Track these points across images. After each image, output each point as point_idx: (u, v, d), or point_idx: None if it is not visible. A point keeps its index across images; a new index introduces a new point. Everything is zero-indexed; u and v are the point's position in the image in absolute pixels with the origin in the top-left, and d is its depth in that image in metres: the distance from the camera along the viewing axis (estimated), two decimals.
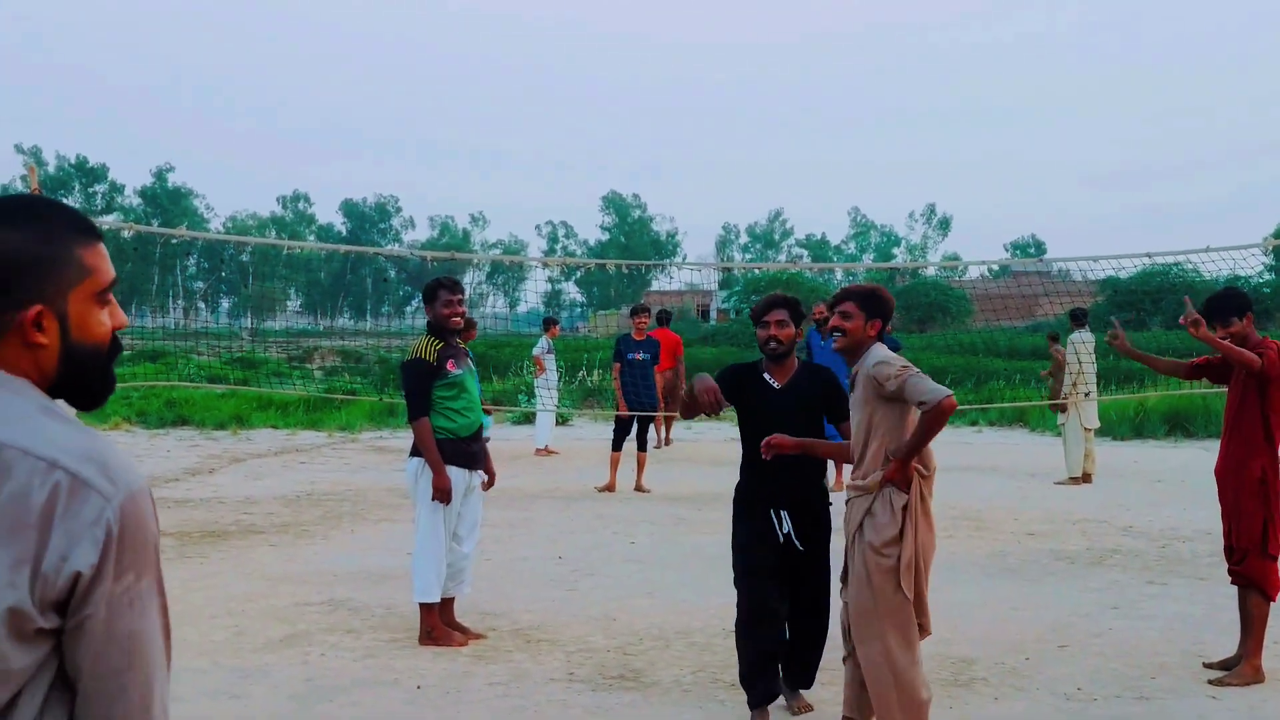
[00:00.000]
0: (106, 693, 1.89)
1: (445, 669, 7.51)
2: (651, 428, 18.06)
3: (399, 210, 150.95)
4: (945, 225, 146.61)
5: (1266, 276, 58.97)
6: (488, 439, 14.53)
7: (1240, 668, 7.32)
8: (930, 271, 77.95)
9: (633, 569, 10.67)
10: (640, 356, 16.12)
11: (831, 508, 6.68)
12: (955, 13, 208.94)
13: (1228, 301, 7.46)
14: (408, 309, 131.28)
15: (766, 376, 6.57)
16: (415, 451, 8.20)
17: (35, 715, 1.86)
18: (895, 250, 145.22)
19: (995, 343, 43.37)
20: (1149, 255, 17.52)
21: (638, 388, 16.03)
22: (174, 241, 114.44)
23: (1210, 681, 7.28)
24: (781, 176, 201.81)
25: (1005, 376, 33.07)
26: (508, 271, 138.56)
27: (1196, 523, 12.85)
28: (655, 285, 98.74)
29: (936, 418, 5.63)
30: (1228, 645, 7.74)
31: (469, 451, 8.24)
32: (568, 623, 8.70)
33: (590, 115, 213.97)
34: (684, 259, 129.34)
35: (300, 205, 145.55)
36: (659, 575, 10.37)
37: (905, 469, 5.73)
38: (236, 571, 10.40)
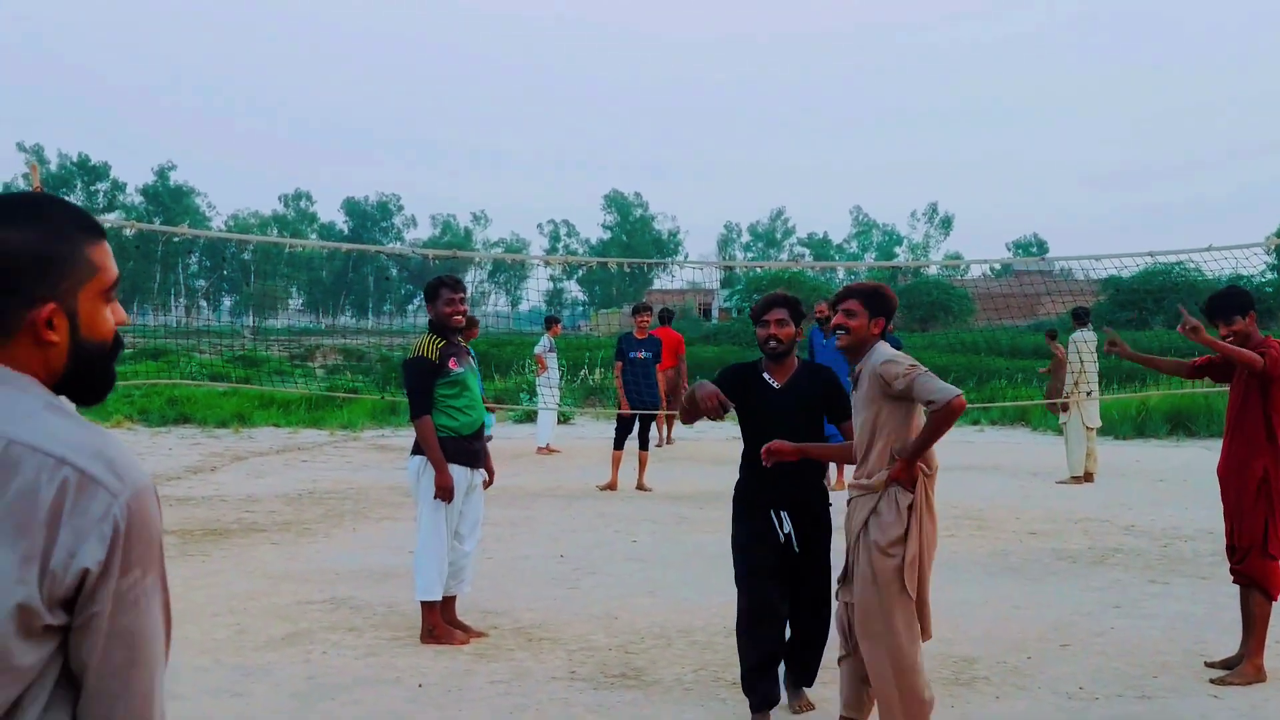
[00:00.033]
0: (111, 689, 1.90)
1: (447, 667, 7.50)
2: (653, 426, 18.07)
3: (401, 209, 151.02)
4: (947, 224, 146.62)
5: (1269, 276, 58.97)
6: (490, 437, 14.59)
7: (1242, 667, 7.32)
8: (932, 270, 77.93)
9: (634, 567, 10.67)
10: (642, 355, 16.12)
11: (831, 508, 6.66)
12: (956, 12, 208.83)
13: (1230, 300, 7.46)
14: (409, 307, 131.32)
15: (766, 376, 6.53)
16: (417, 450, 8.20)
17: (40, 712, 1.87)
18: (897, 249, 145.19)
19: (997, 342, 43.34)
20: (1151, 254, 17.56)
21: (640, 386, 16.02)
22: (176, 240, 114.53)
23: (1212, 681, 7.28)
24: (783, 175, 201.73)
25: (1007, 376, 33.07)
26: (509, 270, 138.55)
27: (1198, 522, 12.84)
28: (657, 284, 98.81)
29: (946, 417, 5.62)
30: (1230, 644, 7.74)
31: (471, 450, 8.24)
32: (569, 621, 8.69)
33: (592, 114, 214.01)
34: (686, 258, 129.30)
35: (302, 204, 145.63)
36: (661, 574, 10.37)
37: (911, 468, 5.72)
38: (238, 569, 10.40)
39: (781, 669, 6.63)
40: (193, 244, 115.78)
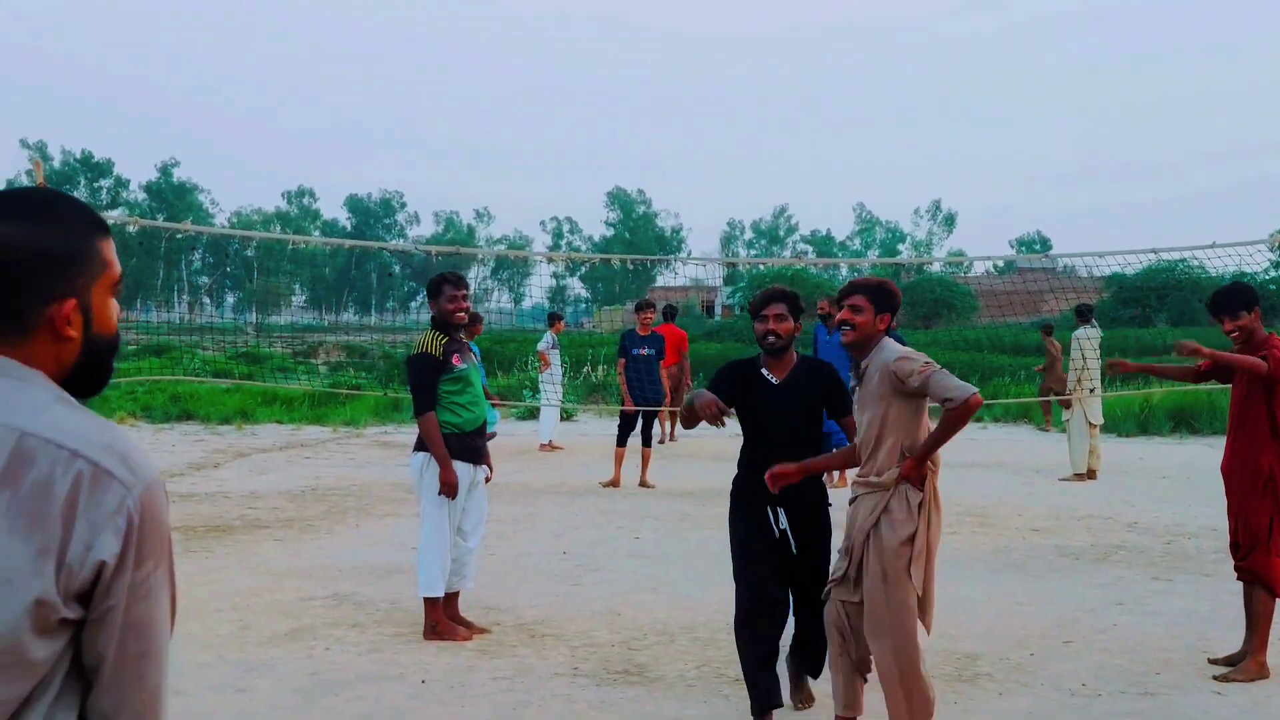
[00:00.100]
0: (124, 680, 1.93)
1: (450, 663, 7.51)
2: (656, 423, 18.07)
3: (404, 206, 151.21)
4: (950, 221, 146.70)
5: (1272, 273, 58.93)
6: (494, 434, 14.60)
7: (1245, 664, 7.31)
8: (935, 267, 77.97)
9: (637, 564, 10.67)
10: (645, 352, 16.12)
11: (831, 506, 6.62)
12: (957, 7, 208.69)
13: (1234, 296, 7.44)
14: (412, 304, 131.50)
15: (765, 372, 6.45)
16: (420, 446, 8.20)
17: (49, 706, 1.88)
18: (900, 246, 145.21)
19: (1000, 339, 43.35)
20: (1154, 251, 17.57)
21: (642, 383, 16.03)
22: (179, 236, 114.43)
23: (1215, 677, 7.27)
24: (786, 172, 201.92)
25: (1010, 373, 33.04)
26: (512, 267, 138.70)
27: (1201, 519, 12.83)
28: (660, 281, 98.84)
29: (963, 415, 5.61)
30: (1233, 641, 7.74)
31: (473, 446, 8.25)
32: (572, 617, 8.70)
33: (595, 111, 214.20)
34: (688, 255, 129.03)
35: (305, 200, 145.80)
36: (663, 570, 10.37)
37: (922, 466, 5.71)
38: (241, 566, 10.41)
39: (783, 667, 6.61)
40: (196, 241, 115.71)
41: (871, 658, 6.00)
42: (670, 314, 20.29)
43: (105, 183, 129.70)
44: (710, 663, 7.54)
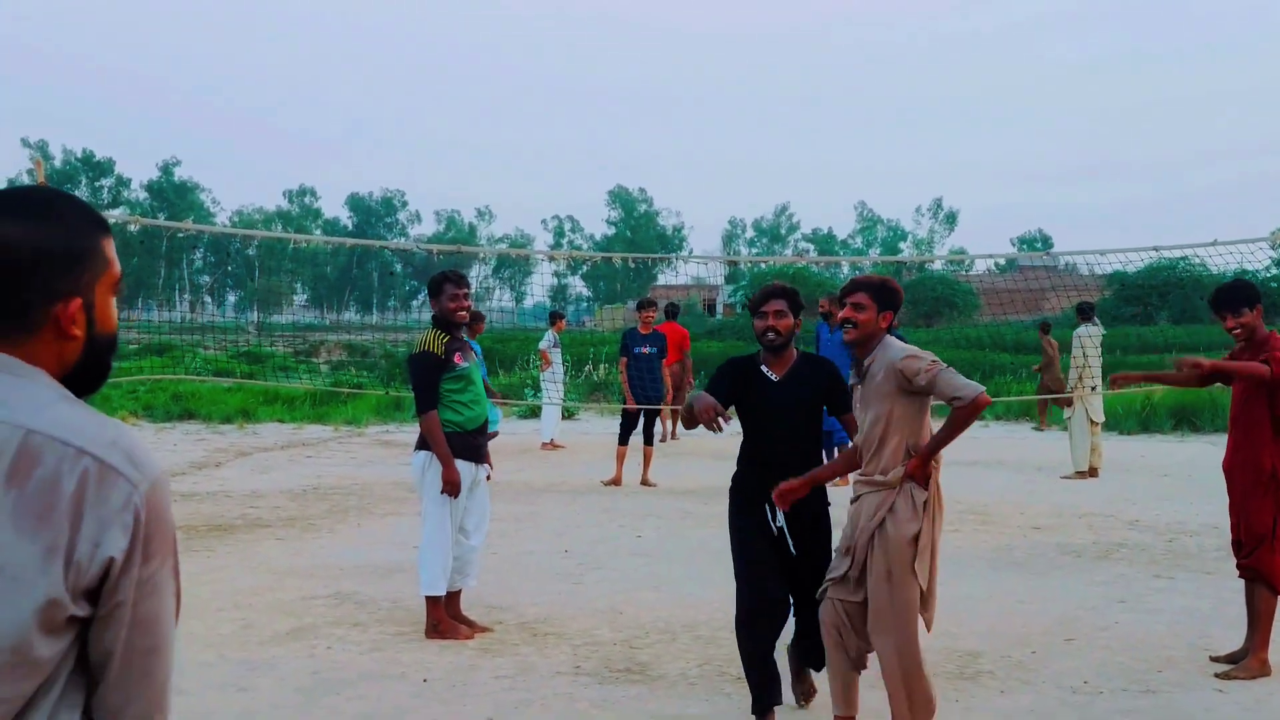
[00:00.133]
0: (132, 677, 1.94)
1: (452, 662, 7.51)
2: (658, 421, 18.07)
3: (405, 204, 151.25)
4: (952, 219, 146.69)
5: (1273, 271, 58.91)
6: (496, 433, 14.59)
7: (1247, 661, 7.31)
8: (937, 265, 77.98)
9: (639, 562, 10.67)
10: (647, 350, 16.13)
11: (830, 506, 6.59)
12: (959, 3, 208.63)
13: (1237, 293, 7.43)
14: (414, 303, 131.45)
15: (764, 369, 6.40)
16: (421, 445, 8.20)
17: (54, 703, 1.89)
18: (902, 244, 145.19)
19: (1002, 337, 43.31)
20: (1155, 249, 17.56)
21: (644, 382, 16.03)
22: (180, 235, 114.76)
23: (1217, 675, 7.27)
24: (788, 171, 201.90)
25: (1012, 371, 33.03)
26: (514, 265, 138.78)
27: (1203, 517, 12.83)
28: (661, 280, 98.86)
29: (970, 414, 5.60)
30: (1234, 639, 7.73)
31: (475, 445, 8.25)
32: (574, 616, 8.70)
33: (597, 109, 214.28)
34: (690, 253, 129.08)
35: (306, 199, 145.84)
36: (665, 569, 10.37)
37: (927, 465, 5.70)
38: (243, 565, 10.41)
39: (784, 662, 6.59)
40: (197, 239, 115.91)
41: (868, 656, 6.00)
42: (672, 312, 20.29)
43: (106, 182, 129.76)
44: (712, 661, 7.54)
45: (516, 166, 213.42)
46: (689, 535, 11.96)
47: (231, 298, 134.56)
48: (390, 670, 7.32)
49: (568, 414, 24.73)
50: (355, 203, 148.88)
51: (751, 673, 6.28)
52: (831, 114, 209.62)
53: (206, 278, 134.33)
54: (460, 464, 8.06)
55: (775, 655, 6.32)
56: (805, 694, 6.63)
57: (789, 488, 6.01)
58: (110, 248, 2.07)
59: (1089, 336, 16.88)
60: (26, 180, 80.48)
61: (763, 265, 71.19)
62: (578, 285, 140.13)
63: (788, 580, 6.34)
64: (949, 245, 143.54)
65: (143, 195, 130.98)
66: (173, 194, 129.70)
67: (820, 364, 6.55)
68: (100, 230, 2.05)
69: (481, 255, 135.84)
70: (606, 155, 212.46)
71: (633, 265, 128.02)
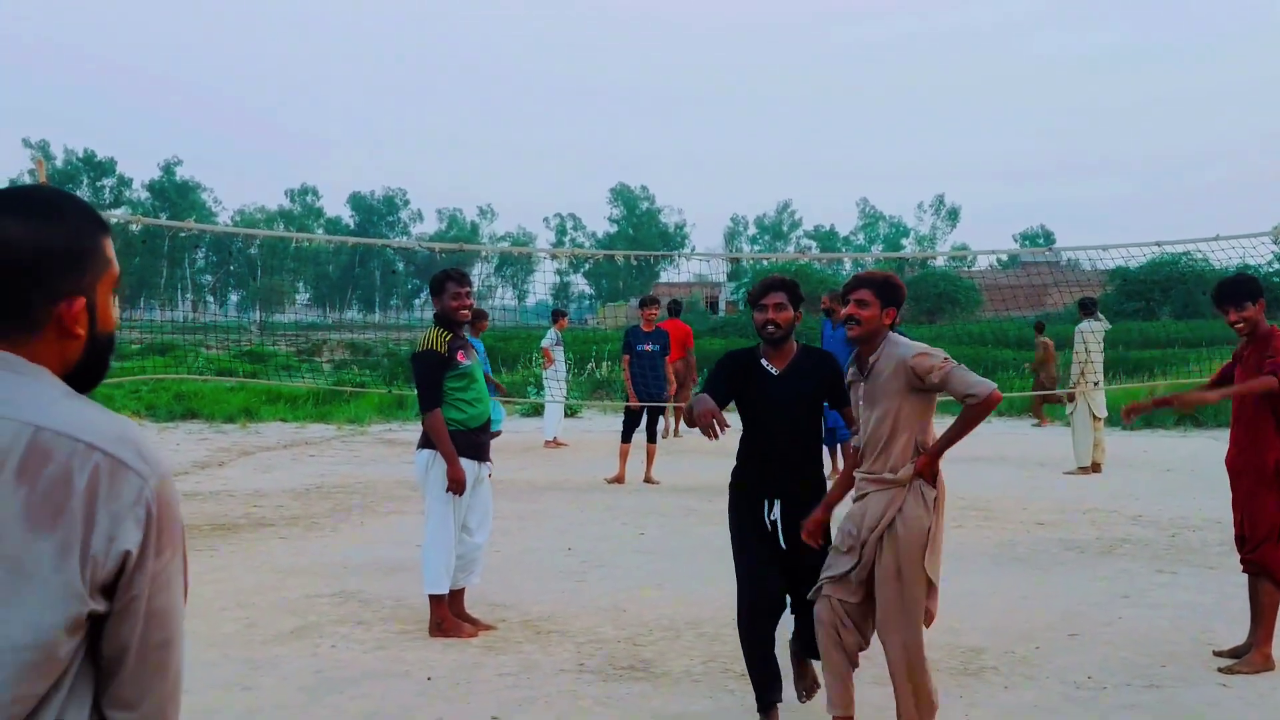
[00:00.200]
0: (147, 669, 1.96)
1: (455, 660, 7.51)
2: (661, 419, 18.07)
3: (407, 203, 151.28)
4: (954, 216, 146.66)
5: (1276, 265, 58.81)
6: (499, 432, 14.59)
7: (1250, 656, 7.32)
8: (939, 262, 77.95)
9: (642, 560, 10.67)
10: (649, 348, 16.13)
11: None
12: None
13: (1240, 287, 7.42)
14: (416, 301, 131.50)
15: (764, 363, 6.31)
16: (424, 443, 8.20)
17: (63, 701, 1.90)
18: (904, 241, 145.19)
19: (1004, 333, 43.28)
20: (1158, 244, 17.55)
21: (647, 379, 16.03)
22: (182, 235, 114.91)
23: (1220, 670, 7.28)
24: (789, 168, 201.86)
25: (1015, 367, 33.03)
26: (516, 263, 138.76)
27: (1206, 512, 12.83)
28: (664, 277, 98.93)
29: (982, 411, 5.59)
30: (1238, 634, 7.74)
31: (478, 443, 8.25)
32: (577, 614, 8.70)
33: (598, 107, 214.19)
34: (692, 251, 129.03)
35: (308, 198, 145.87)
36: (668, 566, 10.37)
37: (936, 462, 5.69)
38: (246, 564, 10.41)
39: (785, 657, 6.57)
40: (199, 239, 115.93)
41: (860, 654, 5.97)
42: (675, 310, 20.30)
43: (108, 182, 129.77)
44: (716, 658, 7.54)
45: (518, 164, 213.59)
46: (692, 533, 11.96)
47: (234, 297, 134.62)
48: (394, 669, 7.33)
49: (570, 412, 24.72)
50: (357, 201, 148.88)
51: (753, 670, 6.26)
52: (833, 110, 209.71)
53: (209, 277, 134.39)
54: (464, 462, 8.06)
55: (776, 651, 6.30)
56: (808, 689, 6.54)
57: (815, 521, 6.00)
58: (110, 247, 2.08)
59: (1091, 332, 16.88)
60: (28, 181, 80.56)
61: (765, 262, 71.19)
62: (580, 283, 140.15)
63: (784, 576, 6.28)
64: (951, 241, 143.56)
65: (144, 195, 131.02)
66: (174, 194, 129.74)
67: (821, 357, 6.46)
68: (101, 230, 2.06)
69: (484, 253, 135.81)
70: (608, 153, 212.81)
71: (635, 263, 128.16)
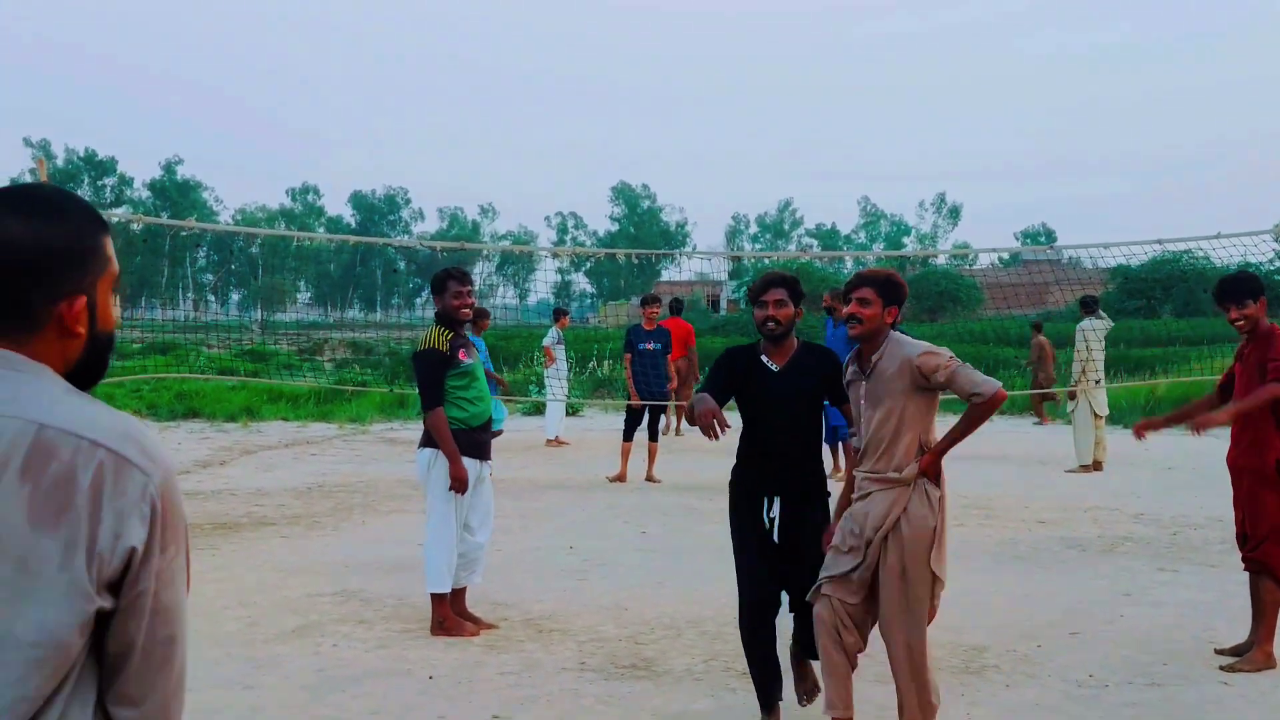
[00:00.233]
0: (152, 665, 1.96)
1: (457, 659, 7.52)
2: (663, 417, 18.06)
3: (408, 202, 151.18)
4: (955, 214, 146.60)
5: (1278, 263, 58.78)
6: (500, 431, 14.60)
7: (1252, 654, 7.32)
8: (941, 260, 77.93)
9: (644, 559, 10.67)
10: (651, 346, 16.14)
11: (830, 496, 6.51)
12: None
13: (1241, 284, 7.44)
14: (417, 300, 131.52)
15: (764, 359, 6.27)
16: (426, 442, 8.20)
17: (66, 699, 1.90)
18: (905, 239, 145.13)
19: (1006, 331, 43.21)
20: (1159, 242, 17.60)
21: (648, 378, 16.04)
22: (183, 234, 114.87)
23: (1222, 668, 7.28)
24: (791, 166, 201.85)
25: (1016, 365, 33.00)
26: (517, 262, 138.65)
27: (1207, 510, 12.83)
28: (665, 276, 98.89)
29: (988, 410, 5.59)
30: (1239, 632, 7.74)
31: (479, 441, 8.25)
32: (579, 612, 8.70)
33: (599, 106, 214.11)
34: (693, 249, 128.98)
35: (309, 197, 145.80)
36: (670, 565, 10.37)
37: (939, 460, 5.68)
38: (248, 563, 10.42)
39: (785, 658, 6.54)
40: (200, 238, 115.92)
41: (859, 655, 5.95)
42: (676, 308, 20.31)
43: (109, 181, 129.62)
44: (717, 656, 7.54)
45: (520, 163, 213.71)
46: (694, 531, 11.97)
47: (235, 296, 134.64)
48: (396, 667, 7.33)
49: (572, 410, 24.73)
50: (358, 200, 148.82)
51: (754, 669, 6.25)
52: (835, 109, 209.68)
53: (210, 276, 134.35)
54: (465, 461, 8.06)
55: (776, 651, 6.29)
56: (808, 693, 6.47)
57: (831, 535, 5.98)
58: (110, 245, 2.08)
59: (1093, 330, 16.88)
60: (29, 180, 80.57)
61: (766, 261, 71.20)
62: (581, 282, 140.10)
63: (781, 574, 6.23)
64: (952, 240, 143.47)
65: (145, 194, 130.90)
66: (175, 193, 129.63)
67: (821, 353, 6.41)
68: (101, 228, 2.07)
69: (485, 252, 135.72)
70: (609, 151, 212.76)
71: (636, 261, 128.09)
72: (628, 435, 16.09)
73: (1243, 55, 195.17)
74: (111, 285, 2.09)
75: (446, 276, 8.28)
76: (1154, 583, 9.68)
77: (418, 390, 8.36)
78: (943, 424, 5.82)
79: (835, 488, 6.81)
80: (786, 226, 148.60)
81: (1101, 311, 17.47)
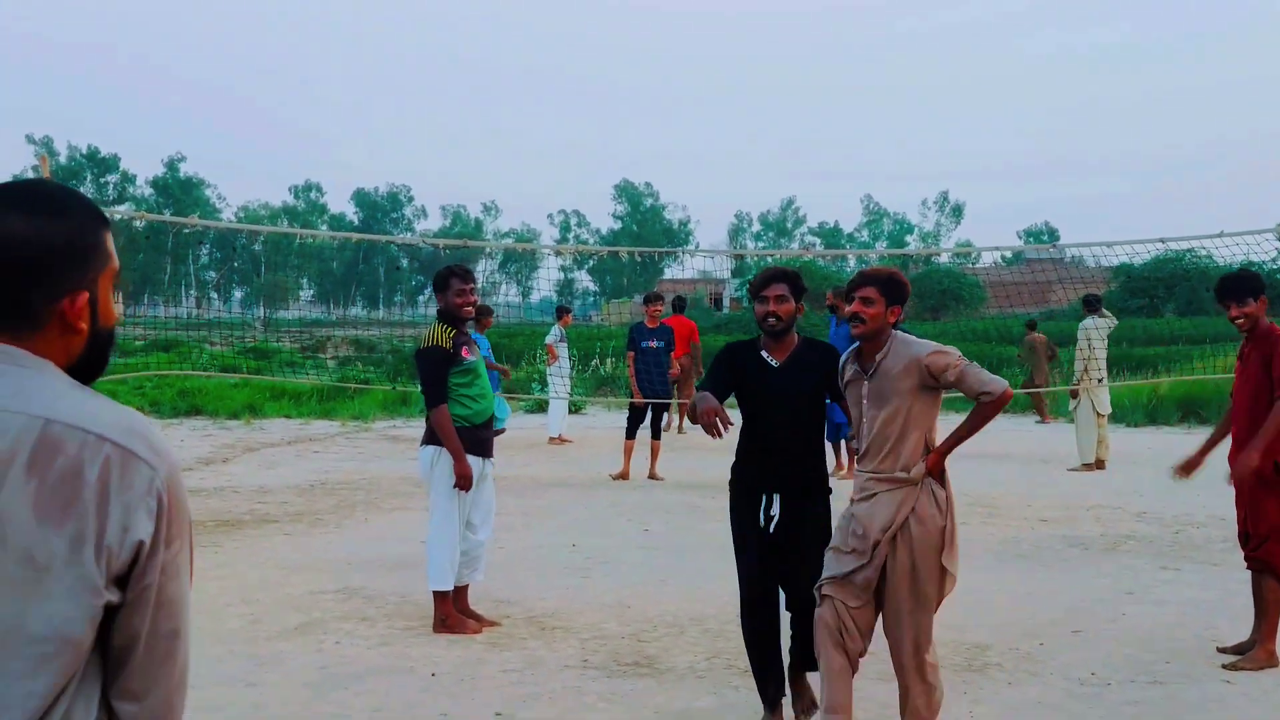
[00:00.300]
0: (157, 658, 1.97)
1: (460, 656, 7.52)
2: (665, 415, 18.07)
3: (411, 199, 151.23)
4: (958, 212, 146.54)
5: None
6: (503, 429, 14.61)
7: (1254, 652, 7.32)
8: (943, 258, 77.79)
9: (646, 556, 10.68)
10: (654, 344, 16.14)
11: (832, 494, 6.45)
12: None
13: (1243, 283, 7.44)
14: (420, 298, 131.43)
15: (765, 355, 6.25)
16: (428, 439, 8.20)
17: (73, 694, 1.90)
18: (908, 238, 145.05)
19: (1009, 330, 43.27)
20: (1162, 240, 17.62)
21: (651, 376, 16.04)
22: (186, 231, 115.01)
23: (1224, 666, 7.28)
24: (794, 165, 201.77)
25: (1019, 364, 33.00)
26: (520, 260, 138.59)
27: (1210, 509, 12.82)
28: (668, 274, 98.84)
29: (995, 408, 5.59)
30: (1241, 630, 7.74)
31: (482, 439, 8.25)
32: (582, 610, 8.71)
33: (602, 104, 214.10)
34: (696, 247, 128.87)
35: (312, 195, 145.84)
36: (673, 562, 10.38)
37: (944, 459, 5.67)
38: (251, 560, 10.42)
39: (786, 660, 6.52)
40: (203, 235, 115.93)
41: (862, 658, 5.93)
42: (679, 305, 20.31)
43: (111, 178, 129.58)
44: (720, 654, 7.55)
45: (523, 161, 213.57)
46: (696, 529, 11.97)
47: (238, 294, 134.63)
48: (398, 665, 7.34)
49: (575, 408, 24.74)
50: (361, 198, 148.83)
51: (756, 668, 6.24)
52: (837, 107, 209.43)
53: (213, 274, 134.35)
54: (468, 458, 8.06)
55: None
56: (805, 710, 6.40)
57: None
58: (110, 241, 2.09)
59: (1095, 329, 16.87)
60: (32, 177, 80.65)
61: (769, 259, 71.11)
62: (584, 280, 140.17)
63: (781, 572, 6.20)
64: (955, 238, 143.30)
65: (148, 191, 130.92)
66: (178, 190, 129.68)
67: (823, 350, 6.37)
68: (102, 224, 2.07)
69: (488, 250, 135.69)
70: (612, 149, 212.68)
71: (639, 259, 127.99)
72: (630, 433, 16.09)
73: (1243, 55, 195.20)
74: (112, 281, 2.09)
75: (449, 274, 8.28)
76: (1156, 581, 9.68)
77: (420, 388, 8.36)
78: (943, 424, 5.81)
79: (836, 485, 6.85)
80: (789, 225, 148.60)
81: (1105, 310, 17.45)
